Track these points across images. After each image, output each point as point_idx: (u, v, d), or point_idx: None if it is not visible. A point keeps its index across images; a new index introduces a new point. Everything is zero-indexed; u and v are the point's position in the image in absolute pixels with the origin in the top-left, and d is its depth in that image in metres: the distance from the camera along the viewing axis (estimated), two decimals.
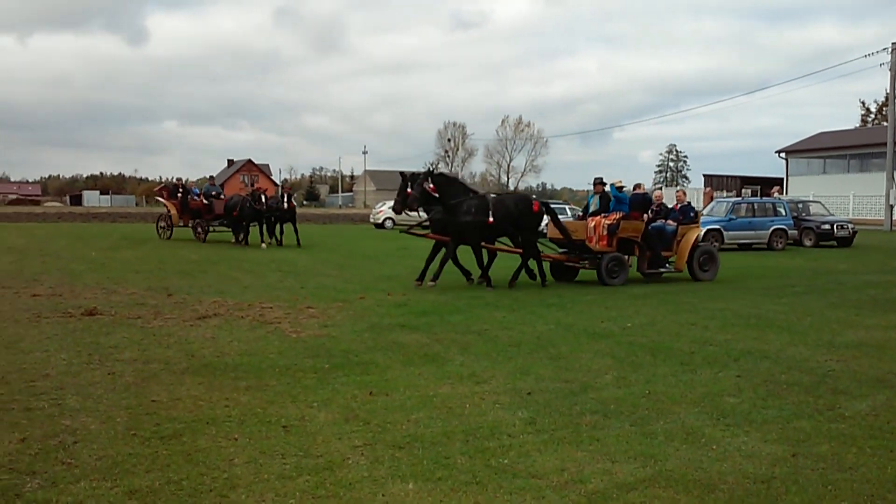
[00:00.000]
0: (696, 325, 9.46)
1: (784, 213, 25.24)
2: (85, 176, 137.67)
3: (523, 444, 4.92)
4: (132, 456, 4.52)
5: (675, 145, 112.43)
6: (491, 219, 13.29)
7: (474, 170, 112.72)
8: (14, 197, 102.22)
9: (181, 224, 25.44)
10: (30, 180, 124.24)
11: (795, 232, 25.37)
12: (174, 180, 23.82)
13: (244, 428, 5.13)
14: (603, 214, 14.41)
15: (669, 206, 15.96)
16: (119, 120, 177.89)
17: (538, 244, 14.23)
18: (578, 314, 10.41)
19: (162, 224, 26.16)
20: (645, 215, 14.73)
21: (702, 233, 16.29)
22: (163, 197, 26.67)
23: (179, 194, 25.37)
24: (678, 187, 17.79)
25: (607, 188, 14.61)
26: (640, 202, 14.99)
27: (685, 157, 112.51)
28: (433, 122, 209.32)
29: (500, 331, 9.02)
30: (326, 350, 7.75)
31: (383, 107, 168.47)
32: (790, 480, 4.34)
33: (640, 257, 14.66)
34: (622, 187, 15.04)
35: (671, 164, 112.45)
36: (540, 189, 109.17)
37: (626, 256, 14.58)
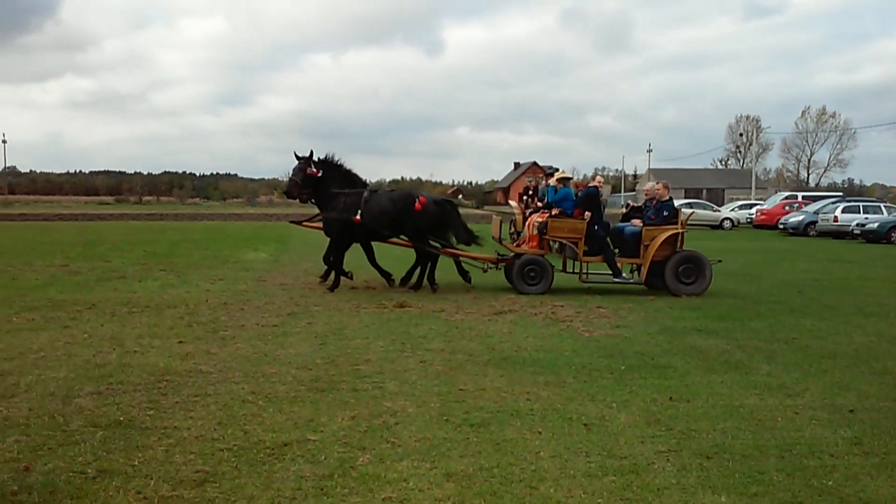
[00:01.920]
0: None
1: None
2: (388, 180, 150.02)
3: (849, 465, 4.48)
4: (446, 440, 4.83)
5: None
6: (358, 217, 12.00)
7: (769, 165, 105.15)
8: None
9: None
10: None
11: None
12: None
13: (546, 422, 5.26)
14: (542, 211, 12.52)
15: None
16: (417, 128, 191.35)
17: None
18: None
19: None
20: (587, 213, 12.20)
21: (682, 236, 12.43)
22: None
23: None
24: (659, 181, 13.72)
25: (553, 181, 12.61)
26: (585, 198, 12.42)
27: None
28: (723, 117, 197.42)
29: (810, 340, 8.29)
30: (620, 351, 7.68)
31: (669, 103, 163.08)
32: None
33: (582, 263, 12.36)
34: (568, 178, 12.70)
35: None
36: (846, 185, 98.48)
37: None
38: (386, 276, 12.82)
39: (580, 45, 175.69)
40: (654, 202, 12.74)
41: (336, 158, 12.57)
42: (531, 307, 10.50)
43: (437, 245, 12.68)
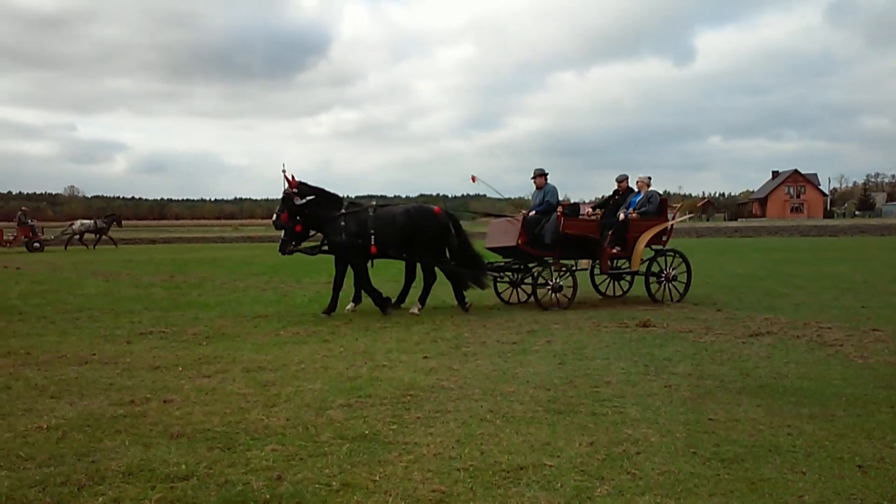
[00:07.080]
0: None
1: None
2: None
3: None
4: (693, 475, 4.43)
5: None
6: None
7: None
8: None
9: None
10: (586, 200, 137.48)
11: None
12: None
13: (812, 461, 4.65)
14: None
15: None
16: (664, 139, 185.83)
17: None
18: None
19: None
20: None
21: None
22: None
23: None
24: None
25: None
26: None
27: None
28: None
29: None
30: None
31: None
32: None
33: None
34: None
35: None
36: None
37: None
38: None
39: (849, 41, 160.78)
40: None
41: None
42: (792, 329, 9.55)
43: None
